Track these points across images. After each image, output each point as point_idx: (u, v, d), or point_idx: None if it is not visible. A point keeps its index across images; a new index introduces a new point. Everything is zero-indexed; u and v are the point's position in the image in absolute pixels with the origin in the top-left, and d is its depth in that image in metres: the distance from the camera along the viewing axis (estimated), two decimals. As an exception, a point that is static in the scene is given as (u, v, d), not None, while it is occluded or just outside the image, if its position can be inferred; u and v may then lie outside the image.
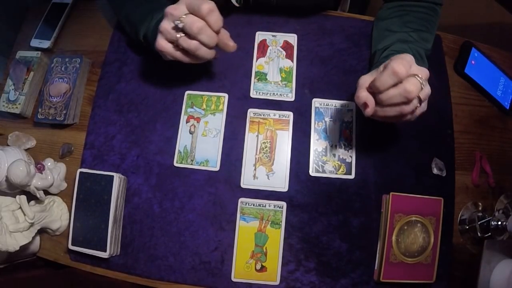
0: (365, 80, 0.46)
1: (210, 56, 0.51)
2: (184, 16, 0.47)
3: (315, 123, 0.62)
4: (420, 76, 0.43)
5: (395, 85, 0.43)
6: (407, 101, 0.43)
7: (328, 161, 0.60)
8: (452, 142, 0.63)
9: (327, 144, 0.61)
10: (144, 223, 0.59)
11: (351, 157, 0.61)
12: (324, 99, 0.63)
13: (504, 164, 0.65)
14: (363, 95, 0.45)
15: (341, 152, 0.61)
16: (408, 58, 0.43)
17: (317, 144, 0.61)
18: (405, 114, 0.45)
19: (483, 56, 0.70)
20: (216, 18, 0.48)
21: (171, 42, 0.50)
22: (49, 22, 0.74)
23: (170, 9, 0.48)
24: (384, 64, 0.45)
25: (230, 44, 0.51)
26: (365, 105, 0.45)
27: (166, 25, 0.49)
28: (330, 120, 0.62)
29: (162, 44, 0.50)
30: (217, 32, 0.49)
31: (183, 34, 0.48)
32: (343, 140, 0.61)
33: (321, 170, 0.60)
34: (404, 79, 0.42)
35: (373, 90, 0.45)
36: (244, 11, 0.69)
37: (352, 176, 0.60)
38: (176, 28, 0.48)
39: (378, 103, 0.45)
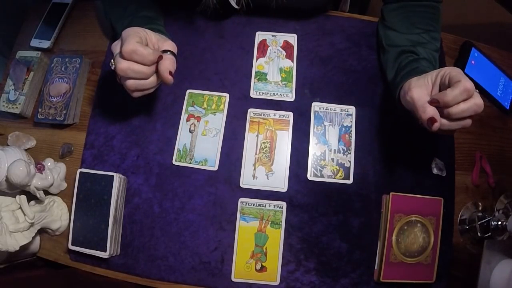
0: (421, 95, 0.47)
1: (150, 85, 0.51)
2: (117, 55, 0.48)
3: (314, 127, 0.62)
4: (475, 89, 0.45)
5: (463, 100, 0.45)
6: (475, 115, 0.45)
7: (326, 165, 0.60)
8: (452, 142, 0.63)
9: (325, 148, 0.61)
10: (144, 223, 0.59)
11: (350, 162, 0.60)
12: (323, 103, 0.63)
13: (504, 164, 0.65)
14: (430, 110, 0.46)
15: (340, 157, 0.61)
16: (461, 71, 0.46)
17: (315, 148, 0.61)
18: (466, 126, 0.47)
19: (483, 56, 0.70)
20: (139, 56, 0.47)
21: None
22: (49, 22, 0.74)
23: (112, 46, 0.50)
24: (438, 77, 0.47)
25: (167, 77, 0.50)
26: (433, 119, 0.45)
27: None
28: (329, 125, 0.62)
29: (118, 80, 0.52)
30: (152, 62, 0.48)
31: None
32: (342, 144, 0.61)
33: (319, 175, 0.60)
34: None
35: (441, 105, 0.46)
36: (245, 11, 0.69)
37: (350, 181, 0.60)
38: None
39: (444, 117, 0.46)
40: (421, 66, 0.53)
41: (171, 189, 0.60)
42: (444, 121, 0.46)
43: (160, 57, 0.49)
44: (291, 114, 0.63)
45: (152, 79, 0.50)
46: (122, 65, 0.47)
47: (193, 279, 0.57)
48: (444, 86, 0.46)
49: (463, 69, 0.67)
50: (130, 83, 0.49)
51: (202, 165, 0.60)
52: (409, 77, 0.52)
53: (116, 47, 0.49)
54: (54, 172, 0.60)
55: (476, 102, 0.44)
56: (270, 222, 0.58)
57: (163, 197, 0.60)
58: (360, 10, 0.89)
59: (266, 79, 0.65)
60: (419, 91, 0.47)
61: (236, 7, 0.63)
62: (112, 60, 0.49)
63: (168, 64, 0.49)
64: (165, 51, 0.50)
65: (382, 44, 0.63)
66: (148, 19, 0.59)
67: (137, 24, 0.56)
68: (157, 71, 0.50)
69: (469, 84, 0.43)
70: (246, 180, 0.60)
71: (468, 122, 0.46)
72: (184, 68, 0.65)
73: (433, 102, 0.46)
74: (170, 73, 0.49)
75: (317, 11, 0.70)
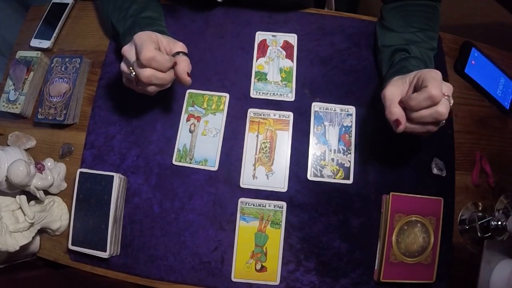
0: (393, 94, 0.47)
1: (166, 85, 0.54)
2: (135, 60, 0.49)
3: (314, 127, 0.62)
4: (448, 95, 0.44)
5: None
6: (437, 122, 0.45)
7: (326, 165, 0.60)
8: (452, 142, 0.63)
9: (325, 148, 0.61)
10: (144, 223, 0.59)
11: (350, 162, 0.60)
12: (323, 103, 0.63)
13: (504, 164, 0.65)
14: (397, 111, 0.46)
15: (340, 157, 0.61)
16: (439, 77, 0.44)
17: (315, 148, 0.61)
18: (431, 131, 0.47)
19: (483, 56, 0.70)
20: (157, 63, 0.48)
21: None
22: (49, 22, 0.74)
23: (124, 51, 0.50)
24: (415, 78, 0.46)
25: (186, 79, 0.52)
26: (398, 122, 0.46)
27: (123, 66, 0.51)
28: (329, 125, 0.62)
29: (124, 81, 0.54)
30: (168, 68, 0.51)
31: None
32: (342, 144, 0.61)
33: (319, 175, 0.60)
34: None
35: (406, 107, 0.46)
36: (244, 11, 0.69)
37: (350, 181, 0.60)
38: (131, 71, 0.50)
39: (407, 119, 0.46)
40: (409, 65, 0.53)
41: (171, 189, 0.60)
42: (406, 123, 0.46)
43: (175, 63, 0.51)
44: (291, 114, 0.63)
45: (170, 79, 0.53)
46: (147, 73, 0.49)
47: (193, 279, 0.57)
48: (418, 87, 0.46)
49: (463, 69, 0.67)
50: (152, 89, 0.52)
51: (202, 165, 0.60)
52: (395, 75, 0.52)
53: (130, 52, 0.50)
54: (54, 172, 0.60)
55: (438, 110, 0.43)
56: (270, 222, 0.58)
57: (163, 197, 0.60)
58: (349, 7, 0.88)
59: (266, 79, 0.65)
60: (392, 89, 0.48)
61: (219, 0, 0.64)
62: (130, 68, 0.50)
63: (184, 66, 0.52)
64: (177, 53, 0.52)
65: (377, 44, 0.63)
66: (150, 20, 0.59)
67: (139, 24, 0.56)
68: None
69: (435, 91, 0.42)
70: (246, 180, 0.60)
71: (431, 128, 0.46)
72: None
73: (399, 103, 0.46)
74: (188, 74, 0.52)
75: (297, 6, 0.70)
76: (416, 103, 0.44)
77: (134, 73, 0.49)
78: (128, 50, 0.50)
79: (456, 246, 0.59)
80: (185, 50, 0.53)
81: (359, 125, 0.62)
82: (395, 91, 0.47)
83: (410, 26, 0.59)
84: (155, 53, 0.47)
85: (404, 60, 0.55)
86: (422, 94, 0.43)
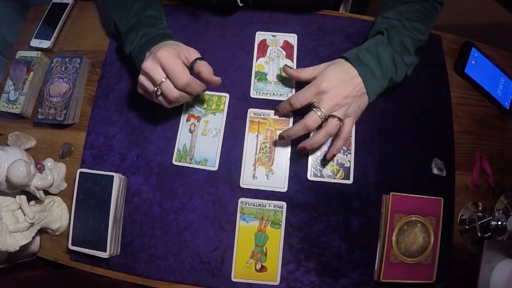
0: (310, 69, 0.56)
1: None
2: (163, 80, 0.50)
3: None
4: (323, 110, 0.52)
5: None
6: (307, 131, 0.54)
7: (326, 165, 0.60)
8: (452, 142, 0.63)
9: (326, 148, 0.61)
10: (144, 223, 0.59)
11: (350, 162, 0.60)
12: None
13: (504, 164, 0.65)
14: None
15: (340, 157, 0.61)
16: (308, 88, 0.54)
17: (315, 148, 0.61)
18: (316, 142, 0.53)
19: (483, 56, 0.70)
20: (191, 89, 0.52)
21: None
22: (49, 22, 0.74)
23: (147, 68, 0.50)
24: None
25: (214, 80, 0.53)
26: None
27: (145, 81, 0.52)
28: None
29: (141, 92, 0.55)
30: (199, 93, 0.55)
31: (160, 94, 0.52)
32: None
33: (319, 175, 0.60)
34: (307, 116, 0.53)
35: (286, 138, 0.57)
36: (244, 11, 0.69)
37: (350, 181, 0.60)
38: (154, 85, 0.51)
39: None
40: (351, 53, 0.55)
41: (171, 189, 0.60)
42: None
43: (205, 89, 0.55)
44: (291, 114, 0.63)
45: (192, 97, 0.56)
46: (177, 95, 0.51)
47: (193, 279, 0.57)
48: None
49: (463, 69, 0.67)
50: (172, 105, 0.54)
51: (202, 165, 0.60)
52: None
53: (155, 71, 0.50)
54: (54, 172, 0.60)
55: (304, 123, 0.52)
56: (270, 222, 0.58)
57: (163, 197, 0.60)
58: (360, 9, 0.88)
59: (266, 79, 0.65)
60: (311, 68, 0.56)
61: (240, 4, 0.64)
62: (157, 87, 0.51)
63: (208, 69, 0.52)
64: (194, 60, 0.52)
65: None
66: (153, 19, 0.59)
67: (142, 24, 0.57)
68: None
69: (310, 121, 0.52)
70: (246, 180, 0.60)
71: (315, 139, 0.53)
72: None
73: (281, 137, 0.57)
74: (215, 74, 0.53)
75: (318, 7, 0.70)
76: (294, 133, 0.54)
77: (160, 91, 0.51)
78: (152, 68, 0.50)
79: (456, 246, 0.59)
80: (199, 55, 0.54)
81: (359, 125, 0.62)
82: (312, 69, 0.56)
83: (400, 15, 0.58)
84: (191, 80, 0.50)
85: (365, 45, 0.56)
86: (298, 125, 0.54)
